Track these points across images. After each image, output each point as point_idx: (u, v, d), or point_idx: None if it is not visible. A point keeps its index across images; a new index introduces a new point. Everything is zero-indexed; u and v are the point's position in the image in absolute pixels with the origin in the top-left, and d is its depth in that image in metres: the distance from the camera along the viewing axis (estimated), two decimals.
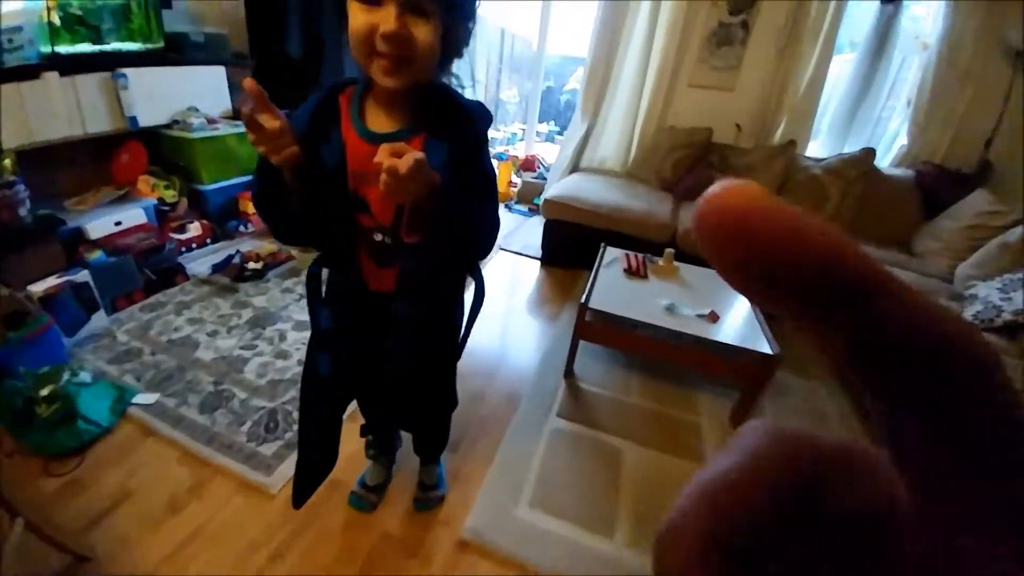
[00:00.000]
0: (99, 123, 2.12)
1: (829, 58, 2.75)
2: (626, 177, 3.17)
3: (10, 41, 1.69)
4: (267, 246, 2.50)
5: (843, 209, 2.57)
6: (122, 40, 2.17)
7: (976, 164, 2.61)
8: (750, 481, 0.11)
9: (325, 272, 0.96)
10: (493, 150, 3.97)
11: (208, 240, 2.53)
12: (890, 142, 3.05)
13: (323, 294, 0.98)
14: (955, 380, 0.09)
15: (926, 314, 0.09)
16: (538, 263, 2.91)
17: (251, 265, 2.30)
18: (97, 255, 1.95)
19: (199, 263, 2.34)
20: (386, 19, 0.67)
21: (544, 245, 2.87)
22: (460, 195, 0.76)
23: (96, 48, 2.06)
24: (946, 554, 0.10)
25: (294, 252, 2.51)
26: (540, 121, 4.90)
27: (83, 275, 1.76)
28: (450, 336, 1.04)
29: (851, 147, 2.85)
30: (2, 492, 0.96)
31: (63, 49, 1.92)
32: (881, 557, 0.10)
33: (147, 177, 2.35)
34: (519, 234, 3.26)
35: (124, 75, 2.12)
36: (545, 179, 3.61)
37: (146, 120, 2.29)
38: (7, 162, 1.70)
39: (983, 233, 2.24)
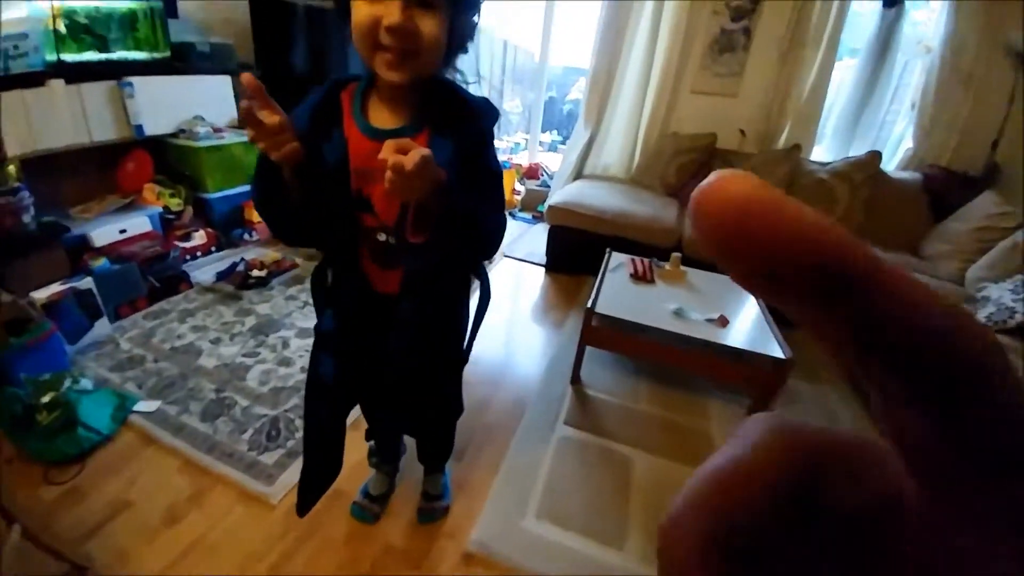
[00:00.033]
0: (105, 131, 2.13)
1: (832, 62, 2.75)
2: (630, 183, 3.16)
3: (15, 48, 1.70)
4: (271, 254, 2.50)
5: (851, 212, 2.54)
6: (128, 49, 2.19)
7: (983, 167, 2.58)
8: (750, 474, 0.10)
9: (331, 274, 0.94)
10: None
11: (213, 248, 2.53)
12: (895, 146, 3.03)
13: (328, 296, 0.95)
14: (954, 376, 0.09)
15: (925, 307, 0.09)
16: (543, 270, 2.89)
17: (255, 273, 2.29)
18: (101, 262, 1.94)
19: (203, 271, 2.33)
20: (391, 11, 0.65)
21: (548, 251, 2.86)
22: (466, 192, 0.74)
23: (102, 57, 2.08)
24: (946, 553, 0.09)
25: (298, 260, 2.51)
26: (543, 131, 4.91)
27: (87, 282, 1.75)
28: (454, 337, 1.02)
29: (856, 151, 2.83)
30: (0, 499, 0.94)
31: (69, 57, 1.94)
32: (883, 553, 0.10)
33: (152, 185, 2.36)
34: (523, 241, 3.25)
35: (130, 84, 2.13)
36: (549, 187, 3.61)
37: (152, 129, 2.30)
38: (11, 169, 1.71)
39: (992, 235, 2.22)
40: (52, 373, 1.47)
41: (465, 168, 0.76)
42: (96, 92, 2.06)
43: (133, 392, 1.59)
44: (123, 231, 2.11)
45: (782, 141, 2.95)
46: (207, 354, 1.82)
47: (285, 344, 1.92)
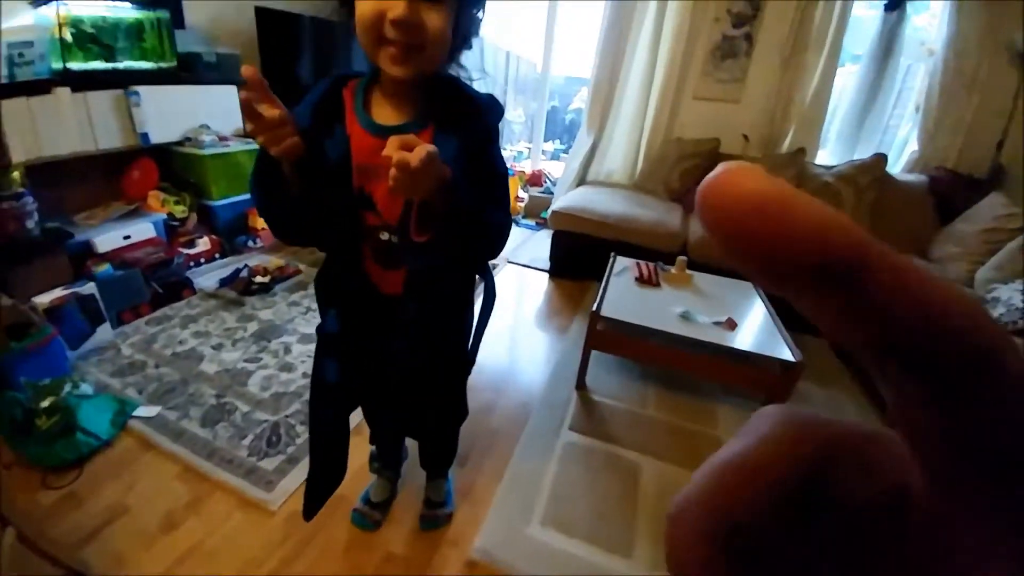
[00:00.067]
0: (111, 139, 2.15)
1: (835, 66, 2.75)
2: (633, 189, 3.16)
3: (20, 56, 1.72)
4: (275, 260, 2.50)
5: (857, 216, 2.52)
6: (135, 59, 2.21)
7: (988, 168, 2.56)
8: (759, 468, 0.10)
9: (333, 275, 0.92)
10: None
11: (217, 255, 2.53)
12: (900, 149, 3.02)
13: (331, 297, 0.94)
14: (965, 373, 0.08)
15: (941, 304, 0.08)
16: (546, 275, 2.88)
17: (258, 279, 2.28)
18: (104, 268, 1.94)
19: (207, 277, 2.33)
20: (396, 5, 0.64)
21: (552, 257, 2.84)
22: (471, 190, 0.72)
23: (109, 66, 2.10)
24: (947, 551, 0.09)
25: (301, 266, 2.50)
26: (546, 140, 4.93)
27: (89, 288, 1.75)
28: (457, 338, 1.00)
29: (860, 155, 2.82)
30: None
31: (75, 66, 1.96)
32: (887, 547, 0.10)
33: (157, 192, 2.37)
34: (527, 247, 3.24)
35: (136, 92, 2.15)
36: (552, 193, 3.61)
37: (158, 137, 2.32)
38: (15, 175, 1.71)
39: (1000, 236, 2.19)
40: (52, 378, 1.46)
41: (470, 165, 0.75)
42: (102, 100, 2.08)
43: (133, 397, 1.58)
44: (127, 237, 2.12)
45: (786, 145, 2.94)
46: (208, 360, 1.80)
47: (287, 350, 1.90)
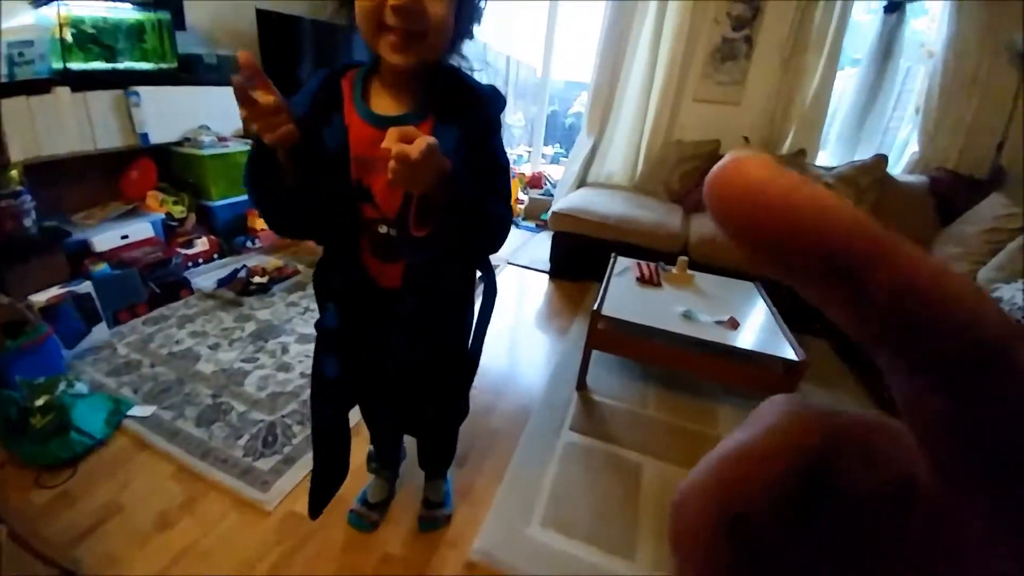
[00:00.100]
0: (110, 139, 2.15)
1: (835, 67, 2.75)
2: (633, 191, 3.15)
3: (20, 55, 1.72)
4: (273, 261, 2.49)
5: None
6: (135, 60, 2.21)
7: (989, 169, 2.56)
8: (765, 457, 0.10)
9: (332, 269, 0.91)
10: None
11: (215, 255, 2.52)
12: (900, 150, 3.02)
13: (329, 292, 0.92)
14: (962, 365, 0.08)
15: (954, 297, 0.08)
16: (546, 276, 2.87)
17: (256, 279, 2.27)
18: (102, 268, 1.93)
19: (205, 278, 2.31)
20: None
21: (552, 258, 2.83)
22: (471, 183, 0.71)
23: (109, 66, 2.10)
24: (948, 547, 0.09)
25: (300, 267, 2.49)
26: (545, 144, 4.95)
27: (86, 286, 1.73)
28: (456, 333, 0.98)
29: (861, 156, 2.81)
30: None
31: (75, 66, 1.96)
32: (891, 539, 0.10)
33: (155, 192, 2.36)
34: (527, 249, 3.23)
35: (136, 93, 2.15)
36: (552, 196, 3.60)
37: (157, 137, 2.32)
38: (13, 173, 1.71)
39: (1001, 236, 2.18)
40: (47, 377, 1.44)
41: (470, 157, 0.74)
42: (102, 100, 2.07)
43: (128, 397, 1.56)
44: (125, 237, 2.11)
45: (786, 147, 2.94)
46: (205, 359, 1.79)
47: (284, 350, 1.89)
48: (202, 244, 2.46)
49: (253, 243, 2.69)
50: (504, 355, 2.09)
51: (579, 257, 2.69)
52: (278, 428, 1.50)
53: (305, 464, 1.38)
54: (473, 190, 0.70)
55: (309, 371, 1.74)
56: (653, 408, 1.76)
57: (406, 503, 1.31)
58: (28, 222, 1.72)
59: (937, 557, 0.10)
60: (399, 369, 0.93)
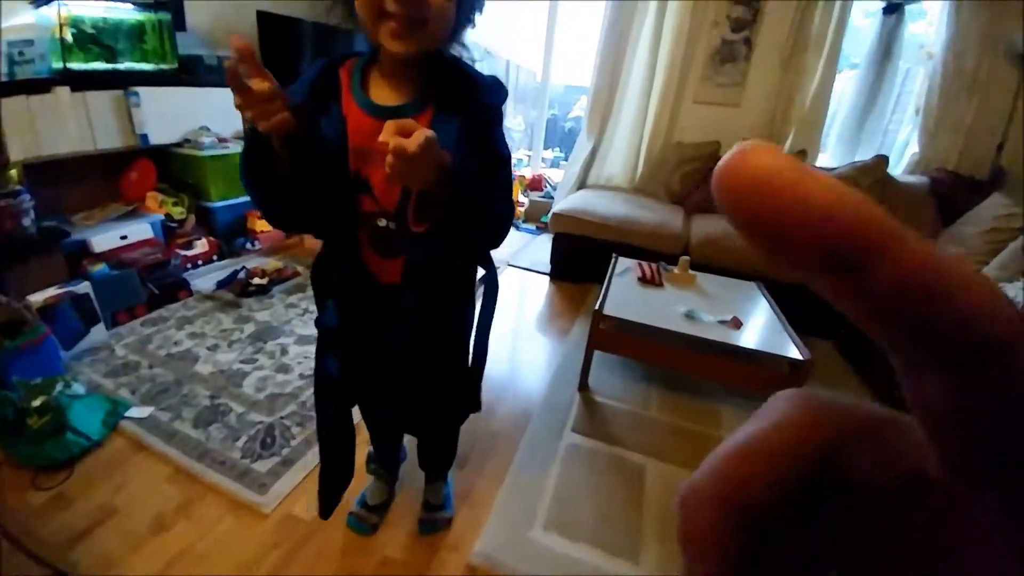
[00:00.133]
0: (110, 140, 2.14)
1: (834, 68, 2.75)
2: (634, 192, 3.15)
3: (20, 54, 1.72)
4: (273, 263, 2.47)
5: None
6: (136, 60, 2.21)
7: (989, 170, 2.55)
8: (776, 447, 0.10)
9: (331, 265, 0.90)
10: None
11: (215, 257, 2.51)
12: (900, 152, 3.02)
13: (328, 288, 0.91)
14: (970, 361, 0.08)
15: (941, 284, 0.08)
16: (547, 278, 2.85)
17: (256, 281, 2.26)
18: (100, 268, 1.92)
19: (204, 279, 2.30)
20: None
21: (553, 260, 2.82)
22: (472, 176, 0.69)
23: (109, 67, 2.10)
24: (954, 543, 0.09)
25: (300, 268, 2.48)
26: (545, 148, 4.95)
27: (84, 287, 1.72)
28: (457, 329, 0.97)
29: (861, 158, 2.81)
30: None
31: (75, 66, 1.95)
32: (898, 531, 0.10)
33: (155, 194, 2.36)
34: (527, 251, 3.22)
35: (136, 93, 2.15)
36: (552, 198, 3.60)
37: (157, 138, 2.31)
38: (13, 173, 1.70)
39: (1003, 236, 2.18)
40: (44, 377, 1.43)
41: (472, 149, 0.73)
42: (102, 101, 2.07)
43: (126, 398, 1.55)
44: (124, 237, 2.10)
45: (786, 148, 2.93)
46: (203, 361, 1.77)
47: (284, 351, 1.87)
48: (201, 246, 2.45)
49: (253, 245, 2.68)
50: (505, 357, 2.07)
51: (580, 259, 2.68)
52: (276, 430, 1.48)
53: (303, 466, 1.36)
54: (474, 184, 0.69)
55: (308, 372, 1.75)
56: (656, 409, 1.75)
57: (406, 506, 1.29)
58: (27, 222, 1.71)
59: (937, 557, 0.10)
60: (399, 366, 0.92)
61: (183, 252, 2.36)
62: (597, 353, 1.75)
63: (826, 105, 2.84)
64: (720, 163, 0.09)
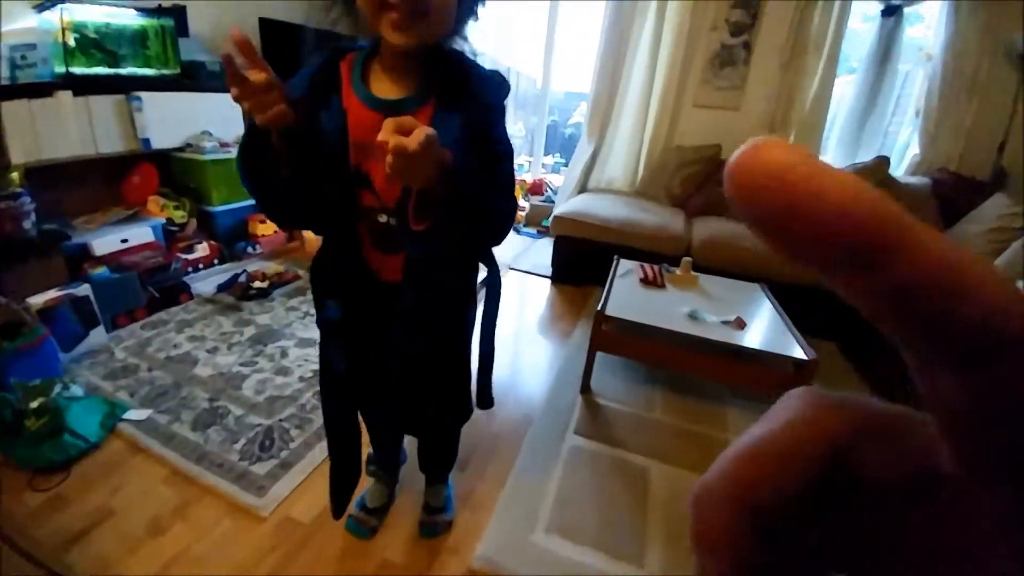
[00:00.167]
0: (112, 144, 2.15)
1: (834, 70, 2.76)
2: (634, 195, 3.15)
3: (23, 58, 1.73)
4: (274, 266, 2.47)
5: None
6: (138, 66, 2.22)
7: (990, 171, 2.55)
8: (783, 448, 0.10)
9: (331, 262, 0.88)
10: None
11: (216, 261, 2.51)
12: (900, 154, 3.02)
13: (327, 286, 0.89)
14: (985, 359, 0.08)
15: (957, 281, 0.08)
16: (548, 281, 2.84)
17: (256, 284, 2.26)
18: (101, 271, 1.92)
19: (205, 283, 2.30)
20: None
21: (554, 262, 2.81)
22: (474, 173, 0.69)
23: (112, 71, 2.11)
24: (962, 539, 0.09)
25: (301, 272, 2.48)
26: (546, 154, 4.97)
27: (84, 289, 1.72)
28: (457, 328, 0.96)
29: (861, 159, 2.81)
30: None
31: (78, 70, 1.96)
32: (909, 528, 0.10)
33: (156, 197, 2.36)
34: (528, 255, 3.22)
35: (139, 98, 2.16)
36: (553, 202, 3.60)
37: (159, 143, 2.32)
38: (14, 175, 1.70)
39: (1005, 235, 2.17)
40: (43, 379, 1.42)
41: (473, 145, 0.72)
42: (104, 105, 2.08)
43: (124, 400, 1.53)
44: (125, 241, 2.10)
45: None
46: (203, 363, 1.76)
47: (284, 354, 1.86)
48: (202, 249, 2.45)
49: (254, 249, 2.68)
50: (506, 360, 2.05)
51: (581, 262, 2.67)
52: (275, 432, 1.47)
53: (302, 469, 1.35)
54: (475, 182, 0.68)
55: (308, 375, 1.73)
56: (659, 411, 1.73)
57: (406, 508, 1.27)
58: (27, 224, 1.71)
59: (938, 556, 0.10)
60: (400, 366, 0.91)
61: (184, 256, 2.36)
62: (599, 356, 1.74)
63: (826, 107, 2.84)
64: (732, 158, 0.09)
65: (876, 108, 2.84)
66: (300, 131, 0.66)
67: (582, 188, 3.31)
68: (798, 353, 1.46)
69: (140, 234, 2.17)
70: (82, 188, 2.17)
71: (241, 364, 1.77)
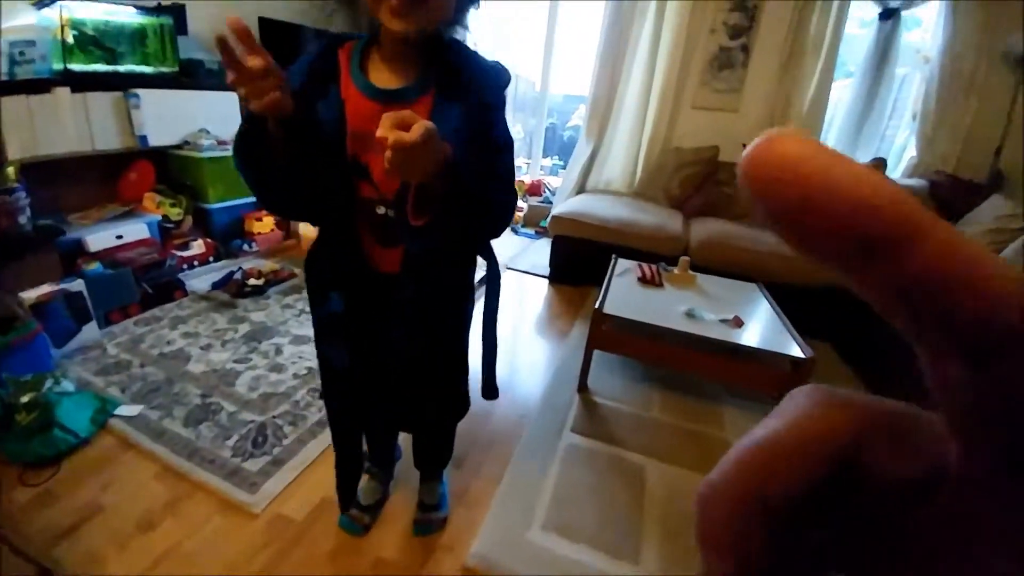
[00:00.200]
0: (109, 140, 2.14)
1: (831, 73, 2.77)
2: (633, 196, 3.15)
3: (21, 54, 1.72)
4: (270, 264, 2.46)
5: None
6: (137, 63, 2.22)
7: (988, 173, 2.55)
8: (790, 446, 0.10)
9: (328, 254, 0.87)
10: None
11: (211, 258, 2.50)
12: (898, 156, 3.03)
13: (323, 279, 0.88)
14: (999, 356, 0.08)
15: (971, 277, 0.08)
16: (546, 281, 2.84)
17: (252, 282, 2.24)
18: (95, 267, 1.90)
19: (200, 280, 2.29)
20: None
21: (552, 262, 2.81)
22: (473, 166, 0.68)
23: (110, 69, 2.11)
24: (966, 539, 0.09)
25: (296, 270, 2.46)
26: (544, 156, 4.98)
27: (77, 285, 1.71)
28: (456, 323, 0.95)
29: (859, 161, 2.81)
30: None
31: (76, 67, 1.96)
32: (915, 525, 0.10)
33: (153, 194, 2.35)
34: (526, 255, 3.21)
35: (136, 95, 2.16)
36: (551, 203, 3.60)
37: (156, 140, 2.31)
38: (10, 171, 1.70)
39: (1004, 236, 2.17)
40: (34, 374, 1.40)
41: (473, 136, 0.71)
42: (102, 102, 2.07)
43: (116, 396, 1.52)
44: (119, 237, 2.08)
45: None
46: (196, 360, 1.75)
47: (278, 351, 1.84)
48: (198, 246, 2.44)
49: (250, 246, 2.67)
50: (503, 359, 2.03)
51: (579, 262, 2.67)
52: (269, 429, 1.45)
53: (295, 466, 1.33)
54: (474, 175, 0.67)
55: (303, 372, 1.72)
56: (657, 410, 1.72)
57: (400, 506, 1.25)
58: (22, 219, 1.70)
59: (939, 556, 0.10)
60: (398, 363, 0.90)
61: (179, 253, 2.35)
62: (596, 355, 1.73)
63: (823, 110, 2.86)
64: (746, 151, 0.09)
65: (873, 111, 2.85)
66: (297, 119, 0.65)
67: (580, 189, 3.31)
68: (796, 351, 1.46)
69: (135, 230, 2.16)
70: (78, 184, 2.16)
71: (235, 361, 1.76)
